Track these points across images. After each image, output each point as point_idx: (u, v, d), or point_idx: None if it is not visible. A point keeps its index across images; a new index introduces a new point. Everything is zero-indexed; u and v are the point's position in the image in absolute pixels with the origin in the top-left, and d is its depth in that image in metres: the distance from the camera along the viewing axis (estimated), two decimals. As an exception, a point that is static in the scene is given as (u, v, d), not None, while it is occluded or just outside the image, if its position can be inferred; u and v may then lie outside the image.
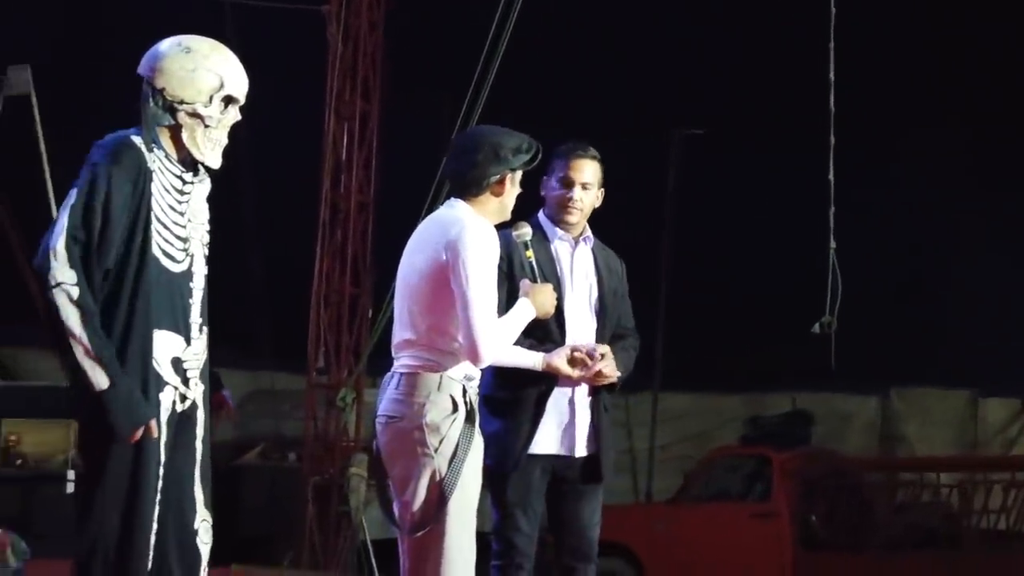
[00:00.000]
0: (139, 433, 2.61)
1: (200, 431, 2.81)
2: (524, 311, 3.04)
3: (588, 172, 3.52)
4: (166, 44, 2.85)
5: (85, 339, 2.58)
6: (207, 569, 2.82)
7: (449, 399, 2.81)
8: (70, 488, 8.08)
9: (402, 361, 2.87)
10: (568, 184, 3.49)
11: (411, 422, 2.80)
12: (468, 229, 2.86)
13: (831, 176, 6.49)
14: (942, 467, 9.43)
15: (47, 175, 8.25)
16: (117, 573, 2.63)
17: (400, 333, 2.90)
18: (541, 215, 3.59)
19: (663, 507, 10.06)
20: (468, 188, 2.95)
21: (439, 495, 2.75)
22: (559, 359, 3.26)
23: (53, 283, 2.57)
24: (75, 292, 2.57)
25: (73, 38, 10.62)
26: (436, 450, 2.77)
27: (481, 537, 2.95)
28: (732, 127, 11.86)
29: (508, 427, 3.34)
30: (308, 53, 9.26)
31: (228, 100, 2.82)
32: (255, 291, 10.97)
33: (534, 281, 3.16)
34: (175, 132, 2.80)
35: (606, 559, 9.16)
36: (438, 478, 2.77)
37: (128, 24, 11.40)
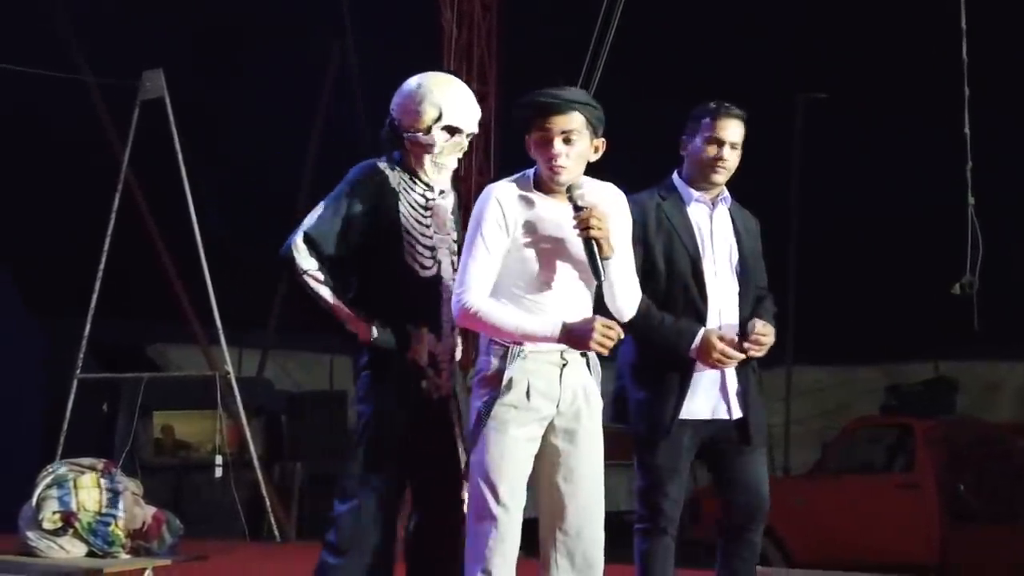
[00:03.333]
0: (413, 352, 3.10)
1: (456, 415, 3.19)
2: (543, 329, 2.84)
3: (736, 131, 3.44)
4: (409, 82, 3.26)
5: (342, 306, 3.13)
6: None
7: (490, 359, 2.89)
8: (218, 473, 8.44)
9: None
10: (717, 143, 3.41)
11: (475, 376, 2.97)
12: (483, 196, 2.95)
13: (967, 129, 6.22)
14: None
15: (183, 176, 8.54)
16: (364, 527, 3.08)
17: None
18: (675, 177, 3.51)
19: (802, 481, 9.85)
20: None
21: (470, 445, 2.91)
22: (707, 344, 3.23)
23: (300, 271, 3.12)
24: (320, 275, 3.12)
25: (203, 42, 10.99)
26: (473, 404, 2.91)
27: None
28: (857, 88, 11.48)
29: (656, 393, 3.31)
30: (423, 40, 9.38)
31: (450, 129, 3.19)
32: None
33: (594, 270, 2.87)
34: (407, 157, 3.23)
35: (745, 534, 9.17)
36: (471, 427, 2.91)
37: (255, 26, 11.79)
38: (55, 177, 10.55)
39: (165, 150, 8.53)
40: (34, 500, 4.31)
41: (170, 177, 8.57)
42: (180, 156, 8.52)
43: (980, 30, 6.07)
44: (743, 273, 3.45)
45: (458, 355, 3.27)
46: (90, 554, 4.31)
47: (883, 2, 11.31)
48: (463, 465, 3.11)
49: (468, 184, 9.39)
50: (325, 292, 3.13)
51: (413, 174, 3.23)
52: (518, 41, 9.47)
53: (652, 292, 3.28)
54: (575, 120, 2.88)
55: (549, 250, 2.89)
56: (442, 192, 3.26)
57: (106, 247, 8.67)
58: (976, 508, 8.32)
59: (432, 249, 3.19)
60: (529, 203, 2.91)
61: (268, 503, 8.67)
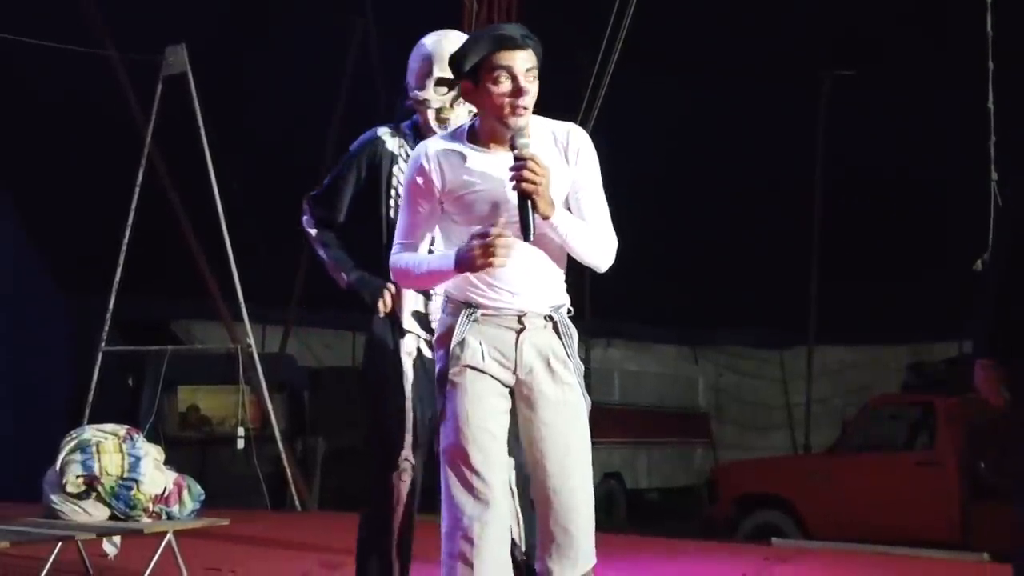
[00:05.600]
0: (384, 301, 3.22)
1: None
2: (440, 264, 2.69)
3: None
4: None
5: (329, 259, 3.36)
6: None
7: (444, 319, 2.77)
8: (240, 444, 8.53)
9: None
10: None
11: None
12: (413, 154, 2.84)
13: (990, 104, 6.16)
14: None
15: (206, 150, 8.59)
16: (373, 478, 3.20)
17: None
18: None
19: (821, 458, 9.84)
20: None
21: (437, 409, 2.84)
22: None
23: (305, 228, 3.42)
24: (313, 232, 3.40)
25: (226, 18, 11.02)
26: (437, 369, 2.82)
27: None
28: (883, 66, 11.37)
29: None
30: (444, 16, 9.37)
31: (443, 82, 3.17)
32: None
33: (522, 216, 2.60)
34: (419, 116, 3.29)
35: (764, 511, 9.17)
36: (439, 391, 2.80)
37: (277, 3, 11.82)
38: (81, 153, 10.63)
39: (188, 126, 8.58)
40: (58, 464, 4.37)
41: (193, 153, 8.62)
42: (203, 131, 8.56)
43: (1005, 3, 6.02)
44: None
45: None
46: (112, 517, 4.37)
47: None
48: None
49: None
50: (319, 248, 3.38)
51: (420, 135, 3.23)
52: (538, 16, 9.44)
53: None
54: (533, 58, 2.64)
55: (487, 207, 2.65)
56: None
57: (130, 222, 8.74)
58: (996, 486, 8.28)
59: None
60: (462, 157, 2.68)
61: (290, 475, 8.75)
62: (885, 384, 12.64)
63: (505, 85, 2.62)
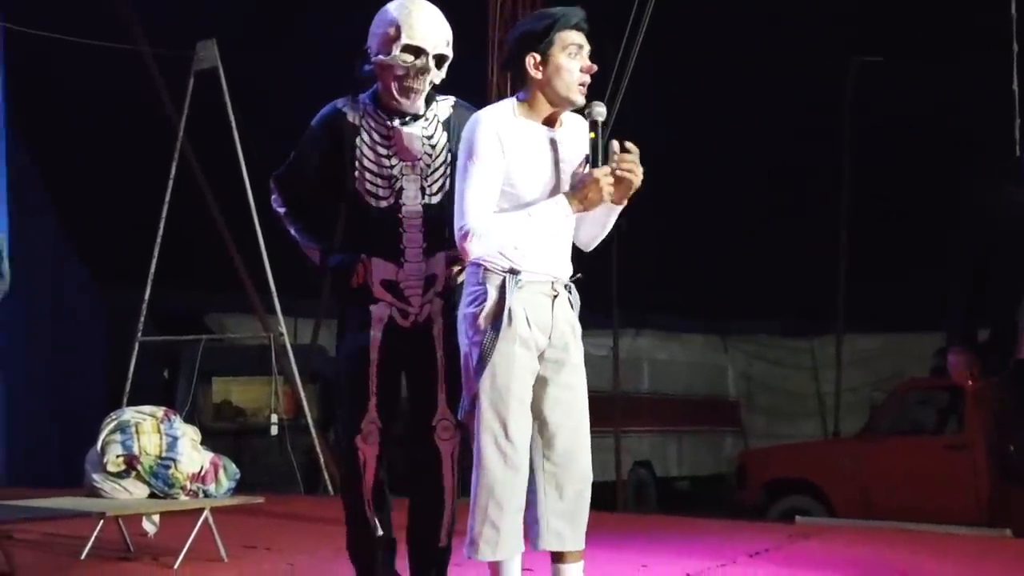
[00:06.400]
0: (358, 273, 3.16)
1: (440, 341, 3.15)
2: (554, 207, 2.80)
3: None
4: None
5: (299, 235, 3.32)
6: (451, 463, 3.16)
7: (484, 291, 2.82)
8: (274, 431, 8.67)
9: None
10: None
11: (461, 312, 2.90)
12: (471, 124, 2.86)
13: (1015, 86, 6.17)
14: None
15: (237, 143, 8.71)
16: (343, 452, 3.22)
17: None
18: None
19: (849, 443, 9.84)
20: (516, 84, 2.90)
21: (473, 382, 2.81)
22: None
23: (273, 206, 3.38)
24: (281, 210, 3.35)
25: (256, 13, 11.15)
26: (471, 339, 2.82)
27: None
28: (909, 52, 11.33)
29: None
30: (470, 8, 9.44)
31: (410, 50, 3.11)
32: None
33: (594, 167, 2.81)
34: (381, 85, 3.19)
35: (792, 496, 9.19)
36: (472, 364, 2.81)
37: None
38: (115, 148, 10.79)
39: (220, 120, 8.70)
40: (99, 444, 4.51)
41: (225, 147, 8.75)
42: (234, 126, 8.69)
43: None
44: None
45: (440, 282, 3.19)
46: (152, 495, 4.51)
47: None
48: (443, 393, 3.11)
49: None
50: (288, 225, 3.33)
51: (381, 104, 3.19)
52: (561, 4, 9.49)
53: None
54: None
55: (535, 175, 2.83)
56: (411, 118, 3.18)
57: (163, 214, 8.89)
58: (1025, 469, 8.27)
59: (390, 179, 3.15)
60: (518, 127, 2.83)
61: (323, 462, 8.88)
62: (915, 372, 12.57)
63: (578, 61, 2.82)
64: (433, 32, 3.14)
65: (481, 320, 2.80)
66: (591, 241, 3.00)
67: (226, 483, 4.66)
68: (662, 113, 10.84)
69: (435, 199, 3.15)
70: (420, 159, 3.16)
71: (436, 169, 3.17)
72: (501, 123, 2.82)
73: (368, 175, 3.15)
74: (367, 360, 3.13)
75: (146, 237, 9.03)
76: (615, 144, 2.82)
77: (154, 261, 8.90)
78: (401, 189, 3.14)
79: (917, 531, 6.50)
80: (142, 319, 9.00)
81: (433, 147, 3.18)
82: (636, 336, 14.67)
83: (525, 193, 2.82)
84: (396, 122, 3.17)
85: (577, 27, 2.82)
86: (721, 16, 11.28)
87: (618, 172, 2.79)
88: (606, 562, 4.42)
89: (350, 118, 3.19)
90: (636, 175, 2.80)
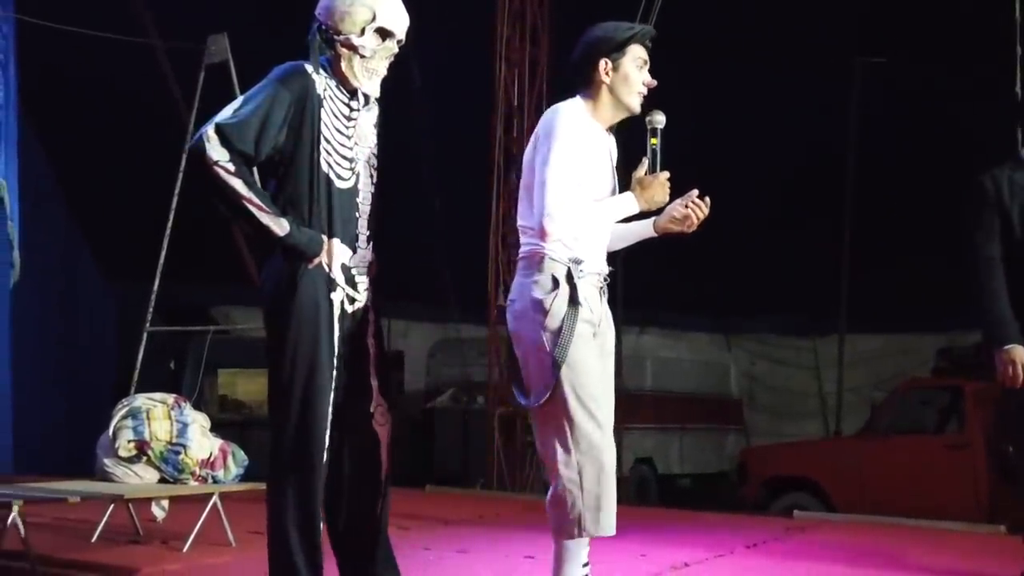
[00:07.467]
0: (324, 251, 3.01)
1: (371, 328, 3.14)
2: (624, 202, 3.02)
3: None
4: None
5: (256, 199, 2.92)
6: (387, 448, 3.13)
7: (551, 278, 2.89)
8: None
9: (521, 247, 3.07)
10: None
11: (523, 301, 2.94)
12: (553, 115, 2.98)
13: (1018, 88, 6.23)
14: None
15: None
16: (299, 445, 2.95)
17: (520, 220, 3.07)
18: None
19: (849, 441, 9.90)
20: (579, 86, 3.08)
21: (551, 367, 2.85)
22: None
23: (211, 161, 2.87)
24: (231, 166, 2.88)
25: (267, 6, 11.23)
26: (543, 325, 2.88)
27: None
28: (914, 53, 11.38)
29: None
30: (478, 6, 9.52)
31: (382, 33, 3.12)
32: (438, 249, 11.41)
33: (653, 171, 3.05)
34: (337, 63, 3.11)
35: (793, 494, 9.25)
36: (548, 349, 2.86)
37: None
38: (126, 141, 10.88)
39: (230, 114, 8.74)
40: (111, 430, 4.60)
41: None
42: (244, 120, 8.72)
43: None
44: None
45: (373, 269, 3.16)
46: (162, 480, 4.60)
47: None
48: (375, 380, 3.09)
49: (520, 146, 9.57)
50: (237, 183, 2.88)
51: (341, 82, 3.11)
52: (570, 5, 9.58)
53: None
54: None
55: (600, 173, 3.03)
56: (368, 103, 3.16)
57: (173, 207, 8.97)
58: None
59: (351, 161, 3.10)
60: (592, 126, 3.04)
61: (327, 454, 8.93)
62: (918, 372, 12.64)
63: (643, 75, 3.07)
64: (403, 18, 3.18)
65: (554, 304, 2.89)
66: (609, 251, 3.18)
67: (235, 469, 4.75)
68: (665, 112, 10.86)
69: (372, 189, 3.17)
70: (371, 147, 3.17)
71: (378, 157, 3.20)
72: (583, 118, 3.01)
73: (334, 152, 3.06)
74: (332, 351, 3.00)
75: (156, 229, 9.11)
76: (695, 191, 3.14)
77: (163, 254, 8.99)
78: (359, 174, 3.12)
79: (912, 526, 6.57)
80: (150, 310, 9.09)
81: (376, 136, 3.20)
82: (640, 334, 14.74)
83: (592, 188, 2.99)
84: (357, 104, 3.12)
85: (646, 43, 3.07)
86: (725, 16, 11.33)
87: (689, 207, 3.07)
88: (604, 551, 4.50)
89: (318, 87, 3.05)
90: (695, 222, 3.10)
